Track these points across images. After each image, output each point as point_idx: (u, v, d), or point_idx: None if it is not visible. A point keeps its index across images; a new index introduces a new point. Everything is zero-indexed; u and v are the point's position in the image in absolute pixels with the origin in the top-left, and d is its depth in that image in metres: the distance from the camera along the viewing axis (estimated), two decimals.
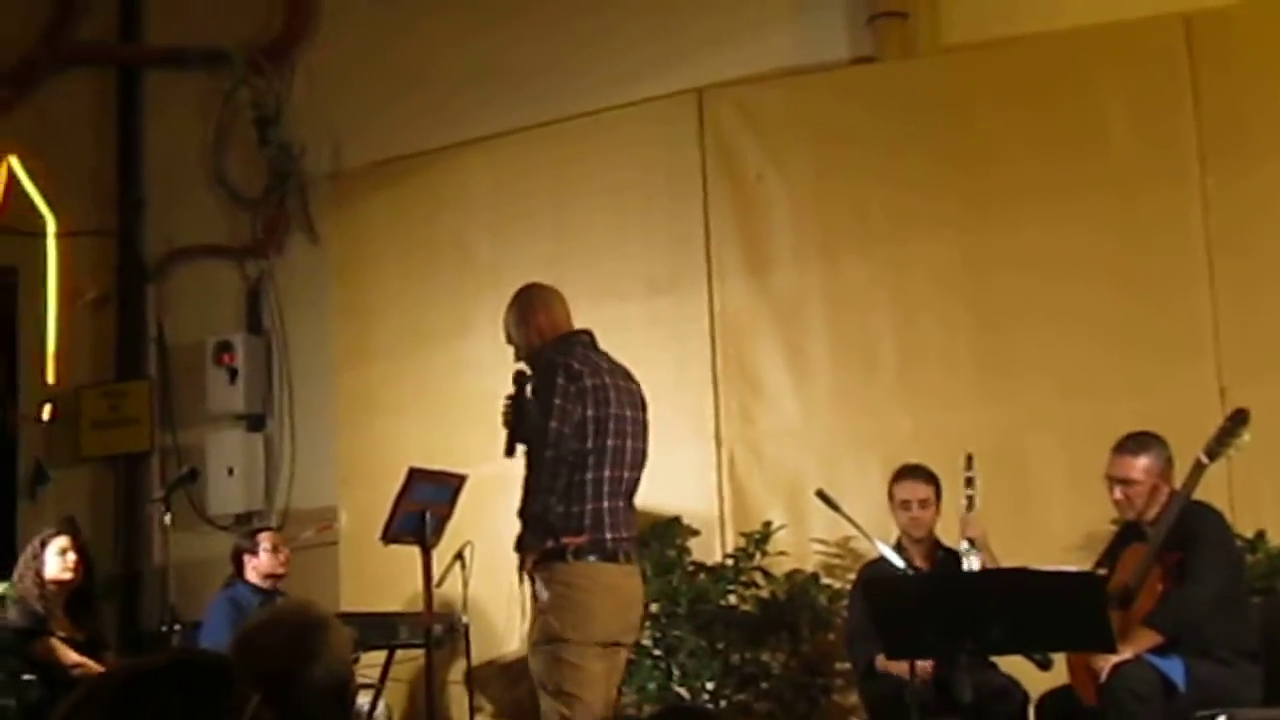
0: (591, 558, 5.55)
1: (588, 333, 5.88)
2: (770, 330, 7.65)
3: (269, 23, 9.41)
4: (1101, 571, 5.67)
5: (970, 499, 6.20)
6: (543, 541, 5.54)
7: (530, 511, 5.56)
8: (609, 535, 5.59)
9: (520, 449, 5.66)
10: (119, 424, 9.60)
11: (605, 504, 5.61)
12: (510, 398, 5.70)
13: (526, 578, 5.66)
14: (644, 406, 5.90)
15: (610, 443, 5.64)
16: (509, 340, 5.89)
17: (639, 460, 5.83)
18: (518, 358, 5.84)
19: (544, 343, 5.77)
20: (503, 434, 5.69)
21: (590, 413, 5.58)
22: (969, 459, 6.27)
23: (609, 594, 5.59)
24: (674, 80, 7.98)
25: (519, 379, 5.76)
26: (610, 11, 8.37)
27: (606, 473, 5.63)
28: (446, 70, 8.72)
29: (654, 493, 7.56)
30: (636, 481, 5.82)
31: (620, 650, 5.78)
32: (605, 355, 5.86)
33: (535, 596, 5.63)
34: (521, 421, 5.64)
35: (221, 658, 1.95)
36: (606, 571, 5.59)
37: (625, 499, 5.74)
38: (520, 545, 5.63)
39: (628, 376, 5.86)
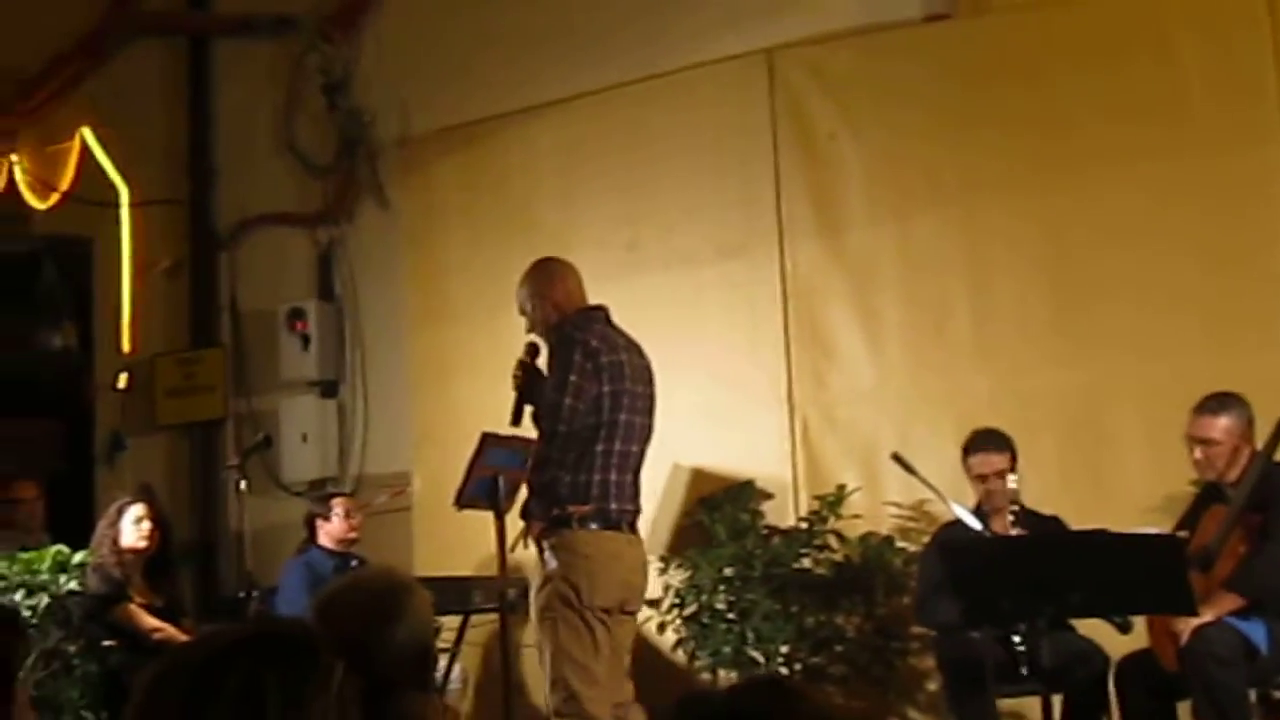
0: (594, 525, 5.71)
1: (603, 308, 6.02)
2: (842, 292, 7.59)
3: None
4: (1182, 534, 5.60)
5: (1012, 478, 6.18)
6: (549, 511, 5.70)
7: (539, 481, 5.73)
8: (613, 505, 5.76)
9: (527, 417, 5.90)
10: (193, 392, 9.67)
11: (613, 476, 5.77)
12: (521, 365, 5.87)
13: (533, 545, 5.82)
14: (653, 381, 6.05)
15: (622, 418, 5.80)
16: (522, 313, 6.01)
17: (647, 435, 5.99)
18: (531, 330, 5.98)
19: (561, 316, 5.90)
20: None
21: (606, 389, 5.74)
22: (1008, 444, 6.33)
23: (613, 561, 5.74)
24: (744, 41, 7.91)
25: (532, 350, 5.93)
26: None
27: (617, 446, 5.79)
28: (514, 34, 8.69)
29: (727, 456, 7.60)
30: (643, 455, 5.97)
31: (628, 620, 5.89)
32: (620, 331, 5.99)
33: (543, 564, 5.75)
34: (531, 390, 5.82)
35: (305, 627, 1.95)
36: (610, 539, 5.75)
37: (632, 473, 5.90)
38: (526, 513, 5.83)
39: (640, 353, 6.02)
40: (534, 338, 5.96)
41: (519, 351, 8.53)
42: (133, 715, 1.79)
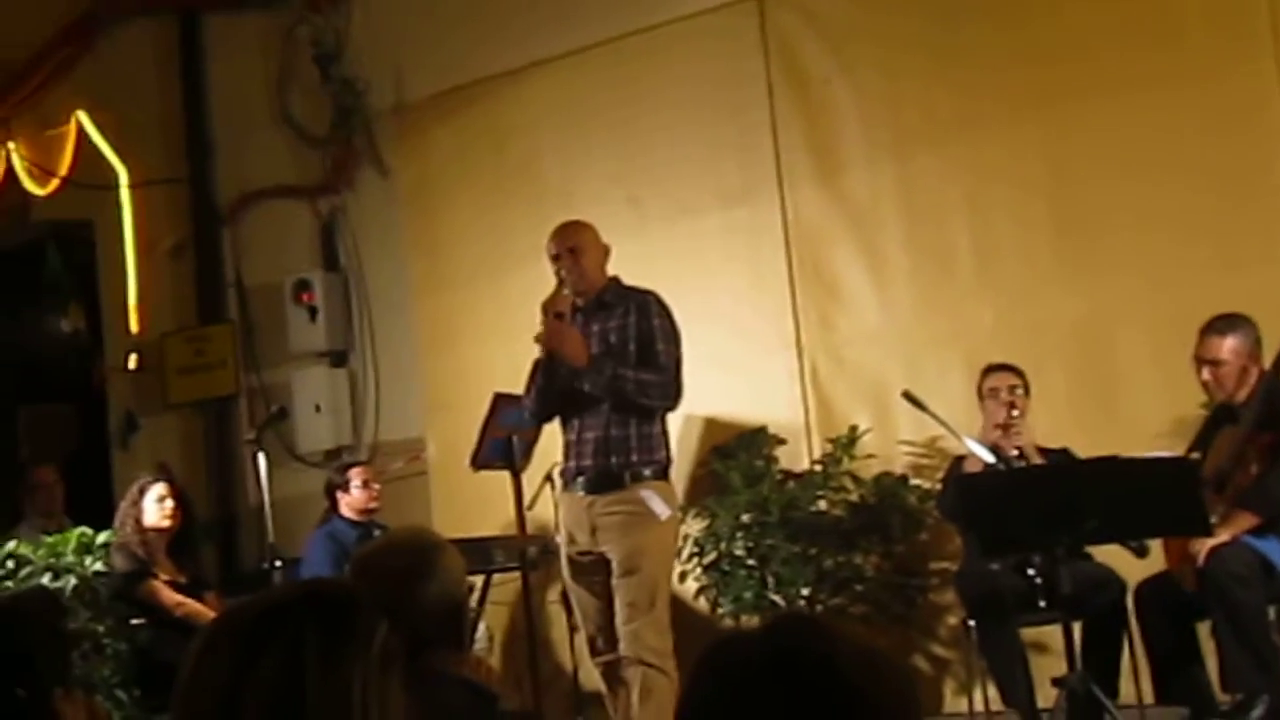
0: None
1: None
2: (845, 235, 7.61)
3: None
4: (1195, 456, 5.64)
5: (1020, 410, 6.23)
6: (654, 460, 5.90)
7: (644, 433, 5.90)
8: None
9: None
10: (204, 369, 9.71)
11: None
12: (559, 315, 5.88)
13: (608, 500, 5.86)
14: None
15: None
16: (561, 260, 6.02)
17: None
18: (572, 281, 5.98)
19: (609, 279, 6.08)
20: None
21: None
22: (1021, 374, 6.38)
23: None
24: None
25: (572, 304, 5.95)
26: None
27: None
28: None
29: (739, 404, 7.64)
30: None
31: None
32: None
33: (652, 512, 5.85)
34: (570, 343, 5.85)
35: (349, 587, 1.99)
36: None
37: None
38: (619, 464, 5.89)
39: None
40: (568, 293, 5.97)
41: (526, 311, 8.53)
42: (185, 678, 1.84)
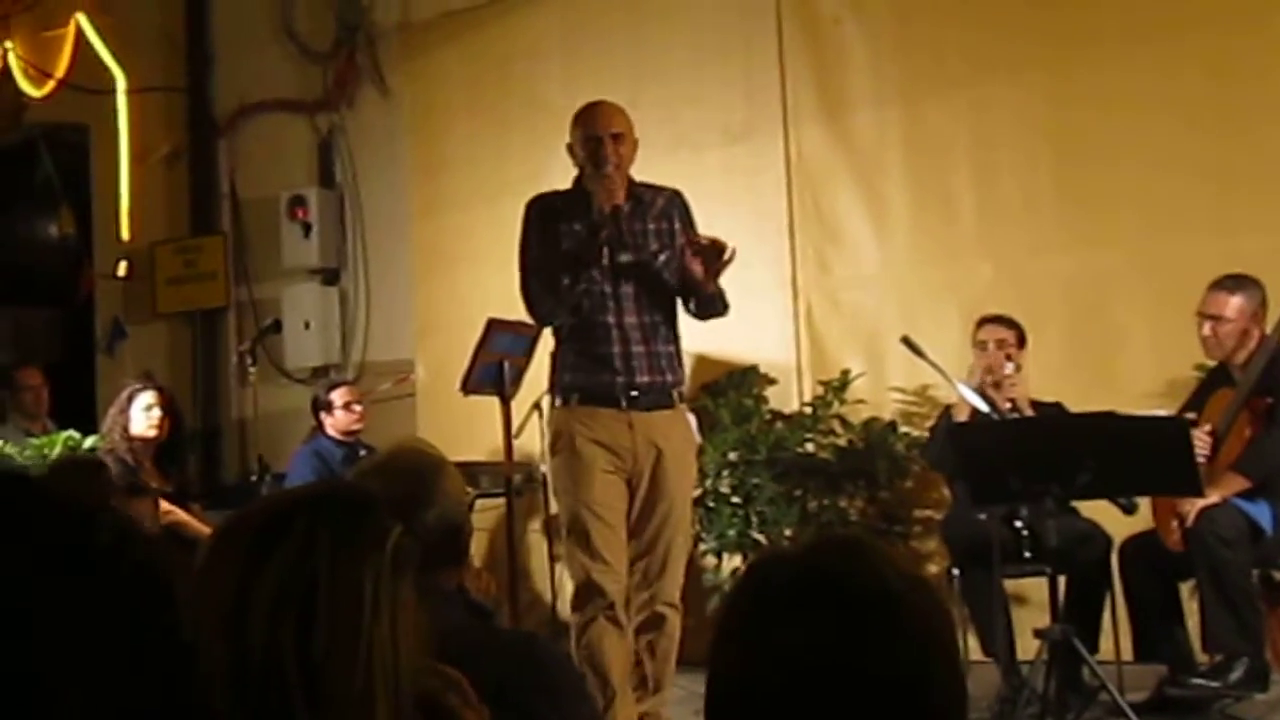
0: None
1: None
2: (847, 177, 7.58)
3: None
4: (1189, 416, 5.64)
5: (1016, 364, 6.20)
6: (680, 381, 5.40)
7: (676, 350, 5.40)
8: None
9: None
10: (194, 280, 9.67)
11: None
12: (615, 210, 5.18)
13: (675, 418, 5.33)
14: None
15: None
16: (626, 150, 5.29)
17: None
18: (619, 174, 5.23)
19: None
20: None
21: None
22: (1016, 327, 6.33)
23: None
24: None
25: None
26: None
27: None
28: None
29: (732, 341, 7.60)
30: None
31: None
32: None
33: (696, 435, 5.55)
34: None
35: (365, 490, 1.98)
36: None
37: None
38: (662, 383, 5.31)
39: None
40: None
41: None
42: (200, 571, 1.83)
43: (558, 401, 5.35)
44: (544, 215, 5.37)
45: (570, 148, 5.39)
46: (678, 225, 5.36)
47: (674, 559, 5.26)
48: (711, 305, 5.38)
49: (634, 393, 5.19)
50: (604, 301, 5.21)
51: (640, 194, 5.32)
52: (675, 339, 5.38)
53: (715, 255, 5.17)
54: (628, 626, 5.18)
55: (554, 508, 7.76)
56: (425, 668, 1.96)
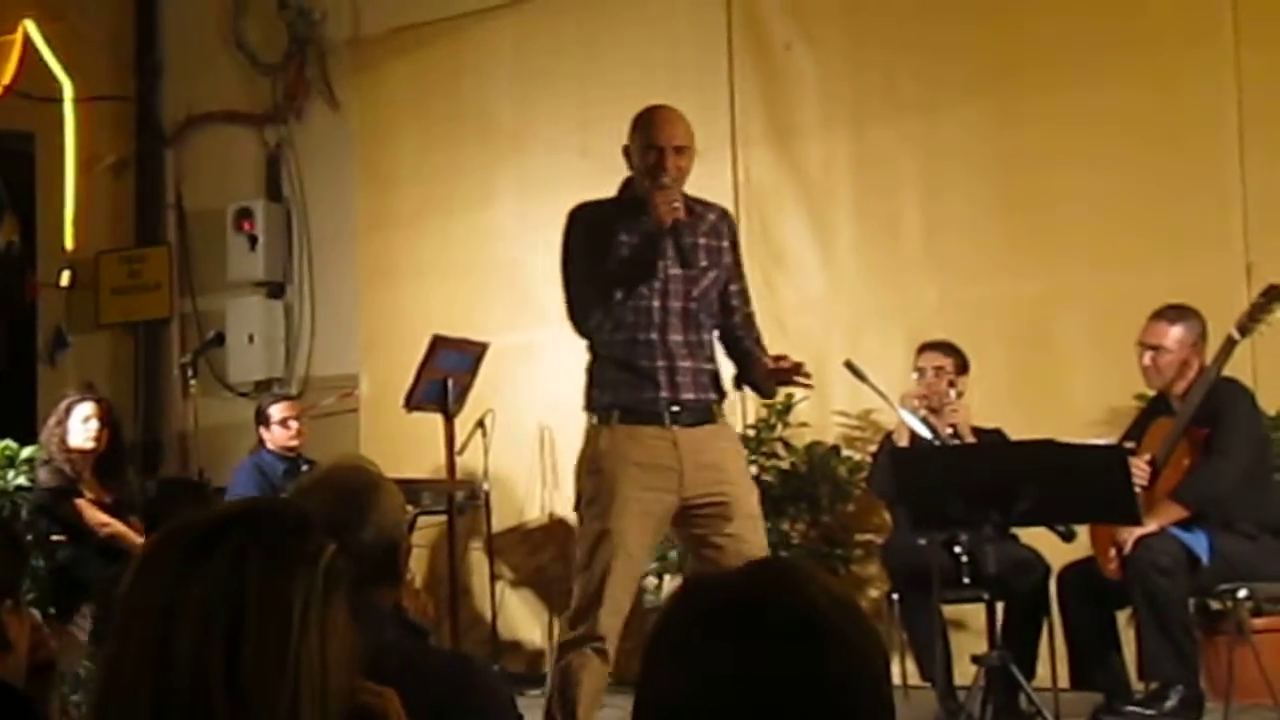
0: None
1: None
2: (795, 200, 7.61)
3: None
4: (1128, 445, 5.67)
5: (958, 390, 6.26)
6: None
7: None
8: None
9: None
10: (138, 290, 9.62)
11: None
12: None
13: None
14: None
15: None
16: (686, 164, 5.06)
17: None
18: (677, 187, 4.96)
19: None
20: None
21: None
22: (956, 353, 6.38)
23: None
24: None
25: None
26: None
27: None
28: None
29: None
30: None
31: None
32: None
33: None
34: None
35: (299, 508, 1.97)
36: None
37: None
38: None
39: None
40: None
41: (470, 255, 8.45)
42: (125, 591, 1.81)
43: (593, 419, 5.01)
44: (594, 224, 5.06)
45: (626, 151, 5.17)
46: (725, 244, 5.14)
47: None
48: (761, 394, 5.30)
49: (676, 409, 4.92)
50: (650, 317, 4.94)
51: (691, 207, 5.02)
52: (715, 359, 5.13)
53: (790, 376, 5.00)
54: (612, 659, 4.87)
55: (497, 525, 7.80)
56: (359, 687, 1.94)
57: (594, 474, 4.91)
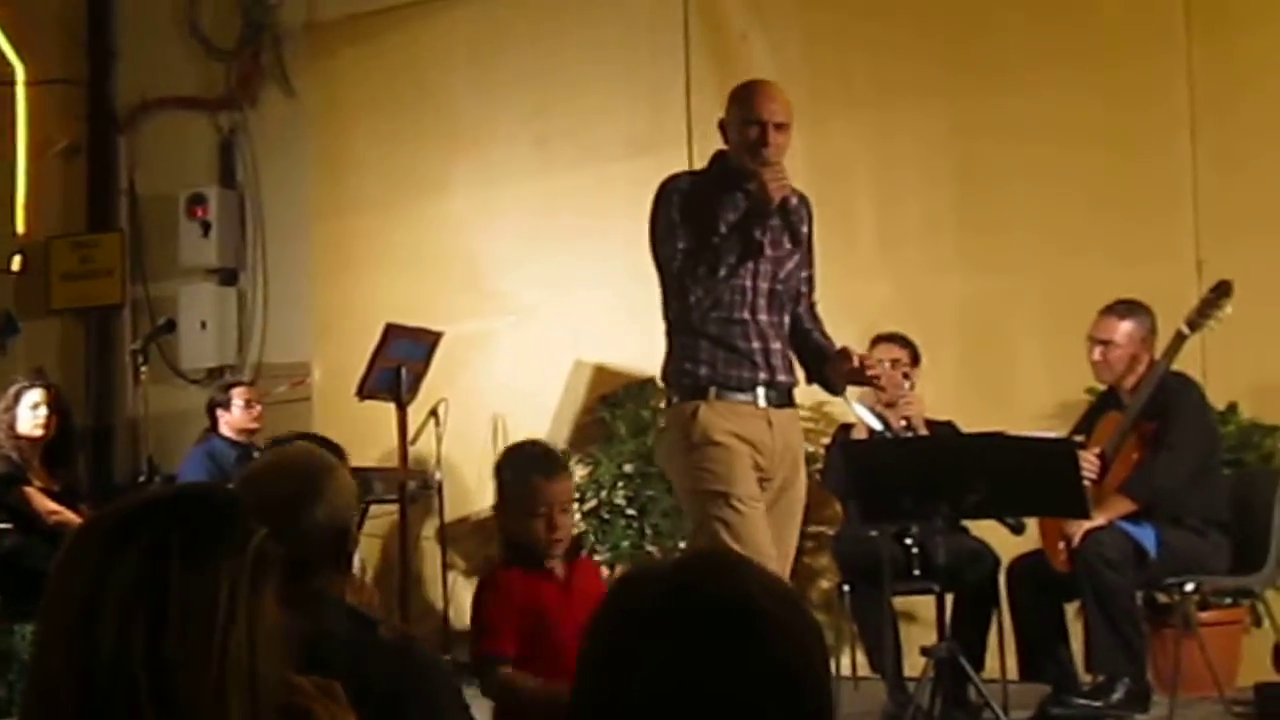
0: None
1: None
2: None
3: None
4: (1078, 439, 5.70)
5: (911, 382, 6.24)
6: None
7: None
8: None
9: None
10: (90, 276, 9.54)
11: None
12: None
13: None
14: None
15: None
16: (788, 140, 4.93)
17: None
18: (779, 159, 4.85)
19: None
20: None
21: None
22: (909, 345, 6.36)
23: None
24: None
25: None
26: None
27: None
28: None
29: (629, 353, 7.63)
30: None
31: None
32: None
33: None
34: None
35: (231, 492, 1.95)
36: None
37: None
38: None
39: None
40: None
41: (425, 244, 8.41)
42: (55, 569, 1.80)
43: (677, 398, 4.92)
44: (692, 199, 4.93)
45: (722, 125, 5.00)
46: (805, 228, 5.11)
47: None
48: (832, 392, 5.25)
49: (771, 390, 4.89)
50: (745, 296, 4.87)
51: None
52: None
53: (866, 378, 5.01)
54: None
55: (449, 515, 7.78)
56: (295, 686, 1.93)
57: (700, 447, 4.78)
